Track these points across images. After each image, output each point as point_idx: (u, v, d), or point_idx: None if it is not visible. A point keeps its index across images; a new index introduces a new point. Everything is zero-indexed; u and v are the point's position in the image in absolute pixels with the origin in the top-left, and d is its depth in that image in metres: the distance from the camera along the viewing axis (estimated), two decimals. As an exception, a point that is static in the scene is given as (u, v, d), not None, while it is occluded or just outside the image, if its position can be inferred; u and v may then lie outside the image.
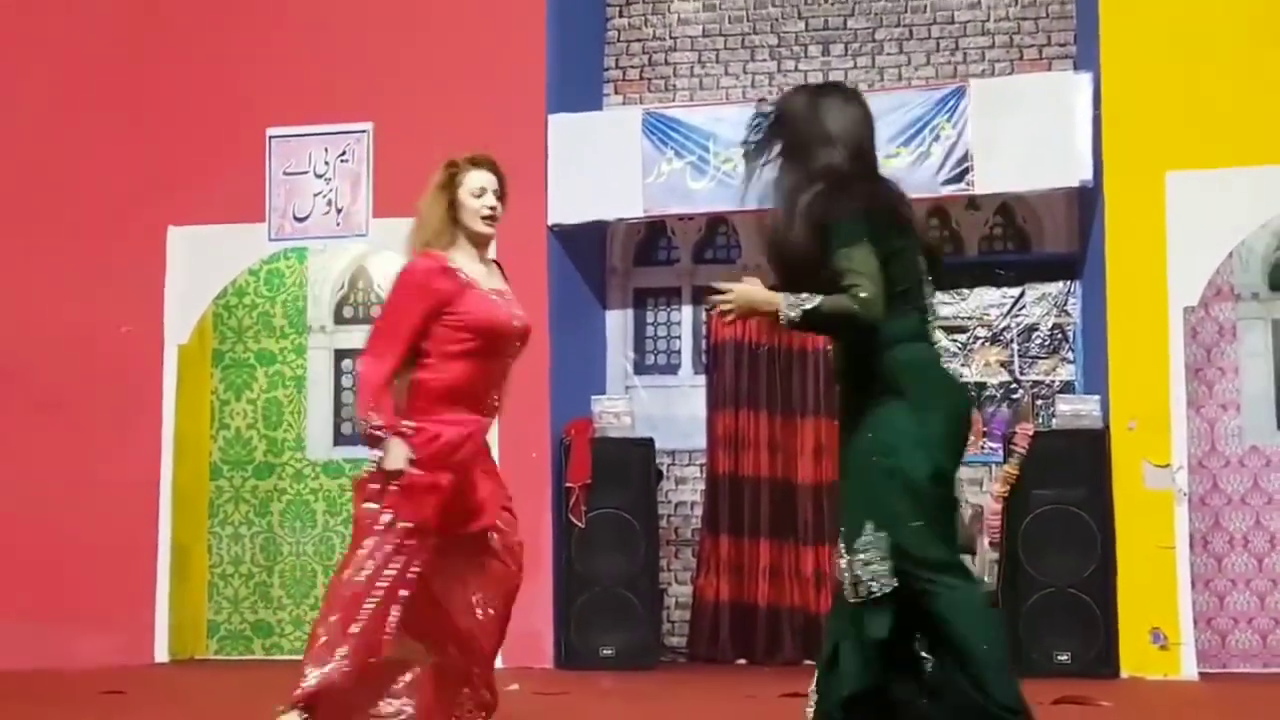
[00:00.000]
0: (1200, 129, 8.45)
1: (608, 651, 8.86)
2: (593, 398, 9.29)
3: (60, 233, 9.64)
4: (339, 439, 10.48)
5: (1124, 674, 8.21)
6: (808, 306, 4.08)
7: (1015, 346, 9.76)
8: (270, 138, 9.54)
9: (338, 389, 10.53)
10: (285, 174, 9.55)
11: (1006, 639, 4.23)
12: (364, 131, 9.46)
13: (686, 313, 10.30)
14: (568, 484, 9.05)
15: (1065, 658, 8.29)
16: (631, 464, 9.03)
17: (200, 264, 9.61)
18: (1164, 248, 8.43)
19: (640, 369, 10.24)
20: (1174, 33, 8.57)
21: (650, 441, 9.21)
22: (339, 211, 9.50)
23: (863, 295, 4.03)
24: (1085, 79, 8.78)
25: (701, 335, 10.18)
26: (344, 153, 9.49)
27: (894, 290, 4.12)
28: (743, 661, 9.28)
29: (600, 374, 9.89)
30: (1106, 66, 8.64)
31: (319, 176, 9.52)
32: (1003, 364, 9.78)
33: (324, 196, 9.52)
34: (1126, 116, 8.57)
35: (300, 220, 9.55)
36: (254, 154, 9.52)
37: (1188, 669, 8.19)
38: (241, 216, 9.51)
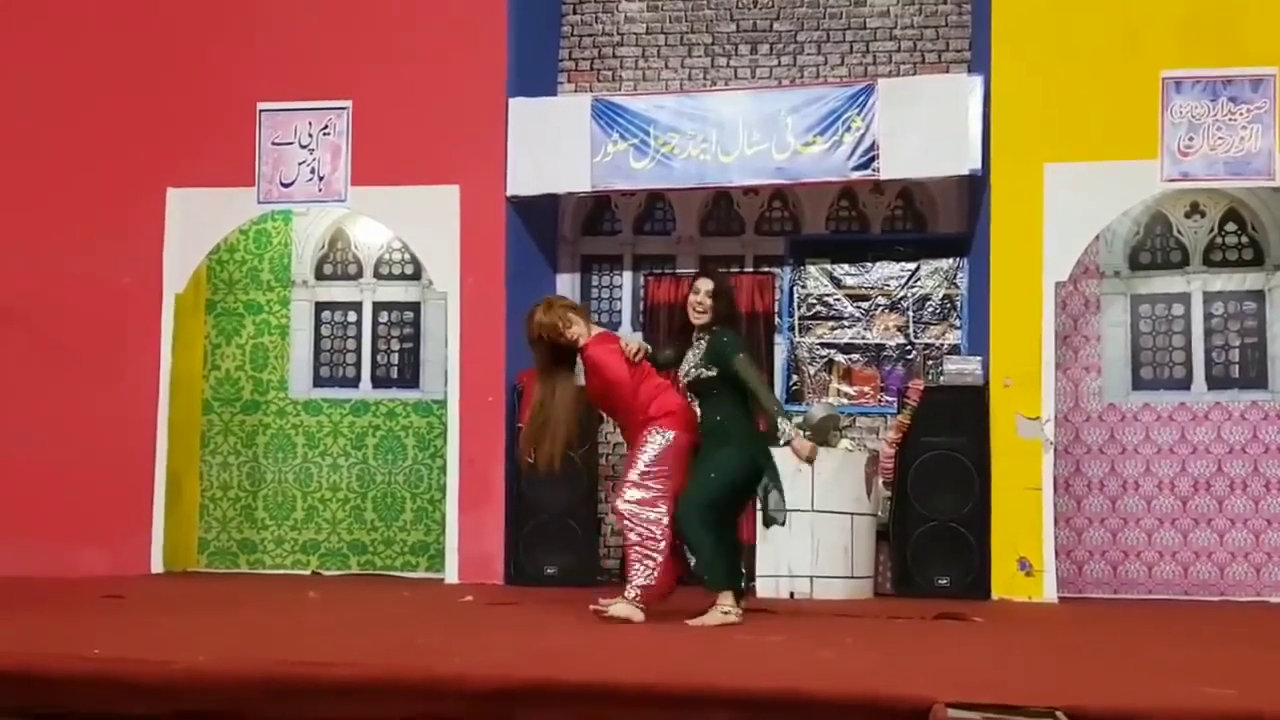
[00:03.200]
0: (1075, 127, 8.59)
1: (551, 570, 9.01)
2: (542, 349, 9.36)
3: (72, 194, 9.66)
4: (318, 381, 10.56)
5: (995, 596, 8.43)
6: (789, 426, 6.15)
7: (910, 313, 9.93)
8: (260, 111, 9.56)
9: (317, 336, 10.60)
10: (273, 144, 9.57)
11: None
12: (344, 108, 9.49)
13: (627, 278, 10.41)
14: (520, 425, 9.14)
15: (945, 581, 8.53)
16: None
17: (196, 223, 9.64)
18: (1040, 230, 8.58)
19: (585, 325, 10.32)
20: (1054, 43, 8.72)
21: (593, 388, 9.32)
22: (321, 179, 9.53)
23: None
24: (977, 81, 8.93)
25: (639, 298, 10.31)
26: (326, 126, 9.51)
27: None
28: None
29: (550, 328, 9.95)
30: (996, 71, 8.79)
31: (303, 147, 9.54)
32: (899, 328, 9.95)
33: (308, 165, 9.54)
34: (1012, 115, 8.71)
35: (286, 186, 9.57)
36: (246, 126, 9.55)
37: (1049, 593, 8.42)
38: (233, 181, 9.54)
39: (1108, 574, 9.44)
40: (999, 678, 4.47)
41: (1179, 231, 9.63)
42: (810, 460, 6.22)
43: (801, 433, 6.26)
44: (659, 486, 6.06)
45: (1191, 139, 8.45)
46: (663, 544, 6.03)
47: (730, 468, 6.12)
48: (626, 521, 6.10)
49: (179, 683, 4.01)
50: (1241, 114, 8.41)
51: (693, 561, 6.15)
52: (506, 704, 3.87)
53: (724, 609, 6.05)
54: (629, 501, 6.09)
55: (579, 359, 6.33)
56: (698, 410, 6.31)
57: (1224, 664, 5.05)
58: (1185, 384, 9.51)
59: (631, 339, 6.43)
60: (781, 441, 6.11)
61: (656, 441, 6.09)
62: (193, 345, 10.32)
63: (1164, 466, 9.42)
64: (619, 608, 6.00)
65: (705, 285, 6.29)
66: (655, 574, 6.03)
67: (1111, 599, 9.17)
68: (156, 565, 9.46)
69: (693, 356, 6.25)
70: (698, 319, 6.26)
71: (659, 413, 6.13)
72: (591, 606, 6.13)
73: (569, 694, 3.92)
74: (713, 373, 6.14)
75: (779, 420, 6.09)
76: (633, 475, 6.10)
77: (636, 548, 6.05)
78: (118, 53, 9.73)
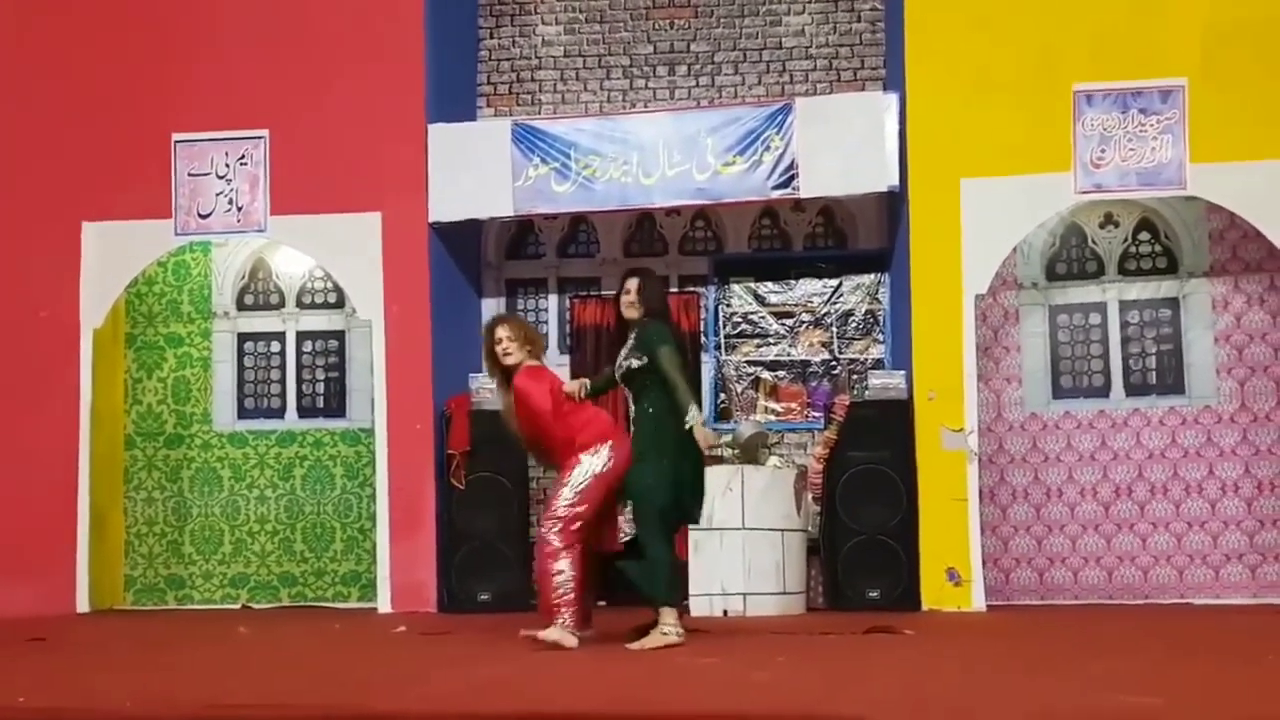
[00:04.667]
0: (989, 141, 8.73)
1: (484, 597, 8.98)
2: (470, 375, 9.37)
3: (-17, 228, 9.48)
4: (242, 412, 10.45)
5: (924, 607, 8.53)
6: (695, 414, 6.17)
7: (834, 329, 10.03)
8: (176, 142, 9.47)
9: (240, 368, 10.49)
10: (190, 175, 9.48)
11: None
12: (261, 138, 9.43)
13: (553, 300, 10.42)
14: (449, 451, 9.15)
15: (875, 594, 8.62)
16: (505, 434, 8.95)
17: (113, 256, 9.53)
18: (959, 244, 8.71)
19: (512, 350, 10.28)
20: (968, 58, 8.86)
21: (521, 413, 9.29)
22: (239, 209, 9.45)
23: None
24: (893, 98, 9.05)
25: (565, 320, 10.32)
26: (243, 156, 9.45)
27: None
28: (602, 603, 9.41)
29: (477, 354, 9.78)
30: (911, 88, 8.90)
31: (220, 178, 9.46)
32: (824, 344, 10.04)
33: (225, 196, 9.46)
34: (927, 131, 8.83)
35: (204, 217, 9.48)
36: (161, 157, 9.46)
37: (977, 602, 8.54)
38: (150, 213, 9.44)
39: (1034, 581, 9.58)
40: (928, 693, 4.53)
41: (1094, 242, 9.81)
42: (712, 447, 6.32)
43: (707, 427, 6.32)
44: (580, 510, 6.08)
45: (1103, 151, 8.62)
46: (569, 573, 6.05)
47: (666, 464, 6.15)
48: (543, 548, 6.10)
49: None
50: (1152, 125, 8.60)
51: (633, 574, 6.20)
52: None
53: (664, 629, 6.07)
54: (550, 525, 6.10)
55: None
56: (631, 407, 6.37)
57: (1150, 671, 5.14)
58: (1104, 391, 9.69)
59: (570, 381, 6.44)
60: (686, 425, 6.15)
61: (587, 465, 6.11)
62: (113, 380, 10.17)
63: (1086, 473, 9.59)
64: (551, 632, 6.01)
65: (632, 283, 6.43)
66: (574, 597, 6.05)
67: (1039, 605, 9.30)
68: (82, 604, 9.30)
69: (625, 350, 6.35)
70: (629, 314, 6.39)
71: (591, 439, 6.16)
72: (522, 632, 6.13)
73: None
74: (642, 362, 6.22)
75: (689, 408, 6.14)
76: (559, 502, 6.11)
77: (553, 575, 6.08)
78: (27, 84, 9.59)
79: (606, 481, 6.14)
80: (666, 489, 6.16)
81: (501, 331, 6.38)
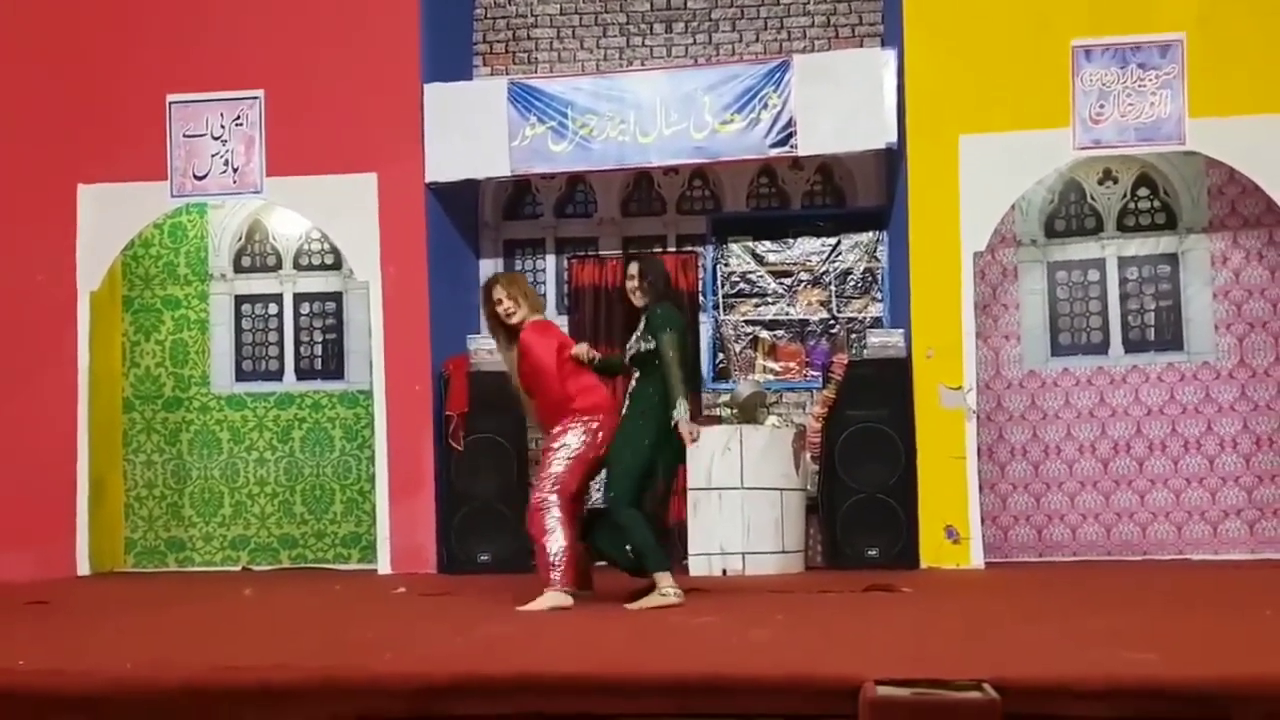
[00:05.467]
0: (988, 97, 8.68)
1: (484, 558, 8.99)
2: (468, 337, 9.35)
3: (-21, 192, 9.43)
4: (240, 375, 10.44)
5: (923, 564, 8.54)
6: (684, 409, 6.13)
7: (833, 288, 10.00)
8: (170, 103, 9.40)
9: (238, 330, 10.47)
10: (185, 136, 9.42)
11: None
12: (256, 98, 9.36)
13: (550, 261, 10.38)
14: (447, 413, 9.14)
15: (874, 552, 8.62)
16: (503, 395, 9.03)
17: (108, 219, 9.48)
18: (957, 201, 8.66)
19: (510, 310, 10.25)
20: (965, 14, 8.79)
21: (519, 374, 9.27)
22: (235, 171, 9.40)
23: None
24: (891, 54, 8.99)
25: (564, 280, 10.28)
26: (238, 117, 9.38)
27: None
28: (602, 563, 9.44)
29: (475, 316, 9.90)
30: (909, 43, 8.83)
31: (216, 139, 9.40)
32: (822, 303, 10.01)
33: (221, 157, 9.40)
34: (926, 87, 8.77)
35: (199, 179, 9.44)
36: (156, 118, 9.39)
37: (976, 559, 8.55)
38: (146, 175, 9.39)
39: (1033, 538, 9.60)
40: (927, 651, 4.53)
41: (1093, 198, 9.77)
42: (693, 441, 6.27)
43: (687, 416, 6.24)
44: (566, 484, 6.11)
45: (1102, 106, 8.57)
46: (561, 534, 6.08)
47: (647, 444, 6.15)
48: (539, 514, 6.12)
49: (104, 693, 3.94)
50: (1151, 80, 8.54)
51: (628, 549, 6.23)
52: (443, 699, 3.86)
53: (663, 590, 6.08)
54: (540, 499, 6.12)
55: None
56: (634, 382, 6.33)
57: (1146, 628, 5.15)
58: (1103, 348, 9.67)
59: (580, 345, 6.42)
60: (672, 421, 6.16)
61: (574, 444, 6.14)
62: (110, 343, 10.15)
63: (1084, 430, 9.58)
64: (545, 600, 6.02)
65: (633, 269, 6.40)
66: (567, 561, 6.07)
67: (1037, 563, 9.31)
68: (83, 567, 9.32)
69: (636, 334, 6.32)
70: (637, 301, 6.37)
71: (584, 406, 6.18)
72: (518, 609, 6.13)
73: (507, 687, 3.92)
74: (651, 345, 6.20)
75: (678, 400, 6.13)
76: (548, 479, 6.12)
77: (547, 546, 6.10)
78: (21, 46, 9.51)
79: (586, 461, 6.16)
80: (642, 464, 6.17)
81: (499, 292, 6.36)
